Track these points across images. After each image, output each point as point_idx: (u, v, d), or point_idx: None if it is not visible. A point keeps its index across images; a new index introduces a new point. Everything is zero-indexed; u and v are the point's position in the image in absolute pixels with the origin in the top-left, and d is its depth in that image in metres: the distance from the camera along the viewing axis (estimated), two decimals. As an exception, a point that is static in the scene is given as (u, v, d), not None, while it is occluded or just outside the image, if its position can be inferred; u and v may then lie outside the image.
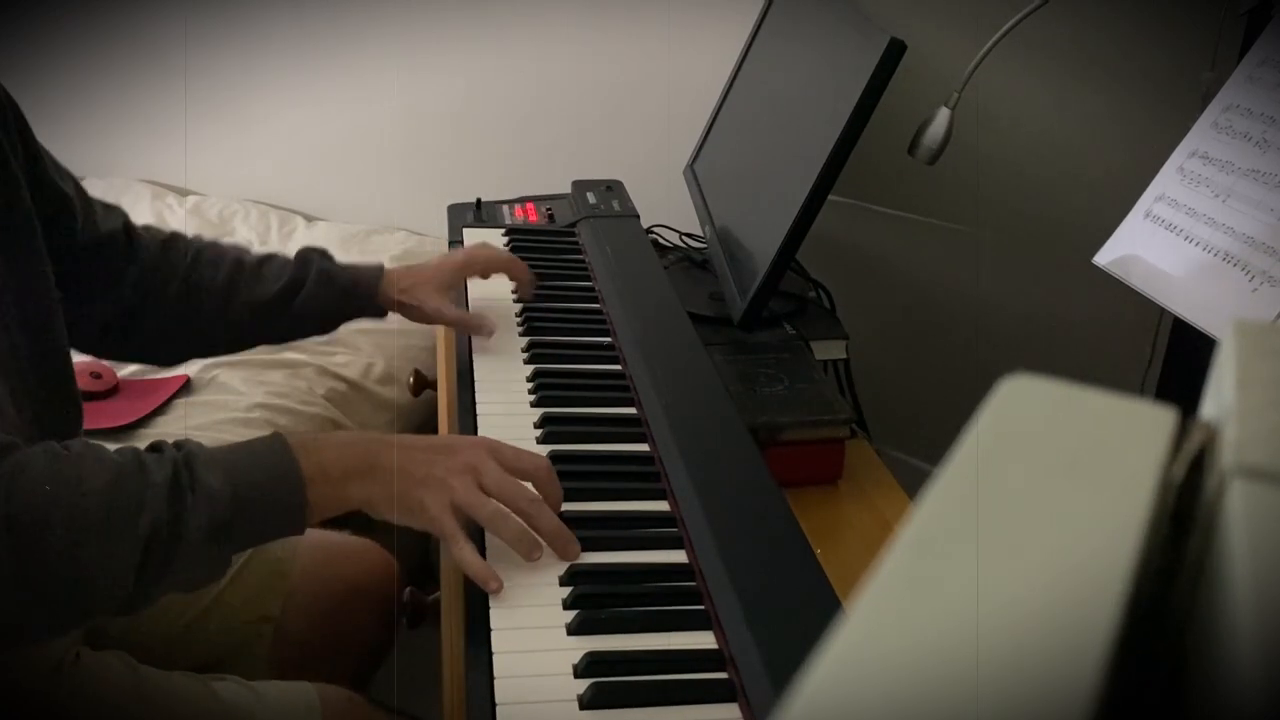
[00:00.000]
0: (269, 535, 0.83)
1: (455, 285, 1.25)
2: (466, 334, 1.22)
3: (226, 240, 1.23)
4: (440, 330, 1.46)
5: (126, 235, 1.10)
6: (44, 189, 0.96)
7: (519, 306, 1.31)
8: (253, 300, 1.13)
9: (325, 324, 1.20)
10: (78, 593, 0.73)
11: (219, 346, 1.24)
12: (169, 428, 1.56)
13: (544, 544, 0.85)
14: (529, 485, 0.86)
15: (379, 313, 1.20)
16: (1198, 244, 0.97)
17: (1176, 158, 1.04)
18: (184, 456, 0.77)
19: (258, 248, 2.24)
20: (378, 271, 1.18)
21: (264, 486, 0.79)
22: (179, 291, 1.12)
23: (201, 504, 0.75)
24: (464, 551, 0.82)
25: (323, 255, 1.18)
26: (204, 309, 1.13)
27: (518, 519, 0.84)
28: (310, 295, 1.14)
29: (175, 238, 1.15)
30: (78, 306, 1.00)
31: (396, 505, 0.83)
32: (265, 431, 1.59)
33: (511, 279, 1.30)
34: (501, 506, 0.84)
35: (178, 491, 0.75)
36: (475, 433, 1.04)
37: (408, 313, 1.19)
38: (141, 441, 1.52)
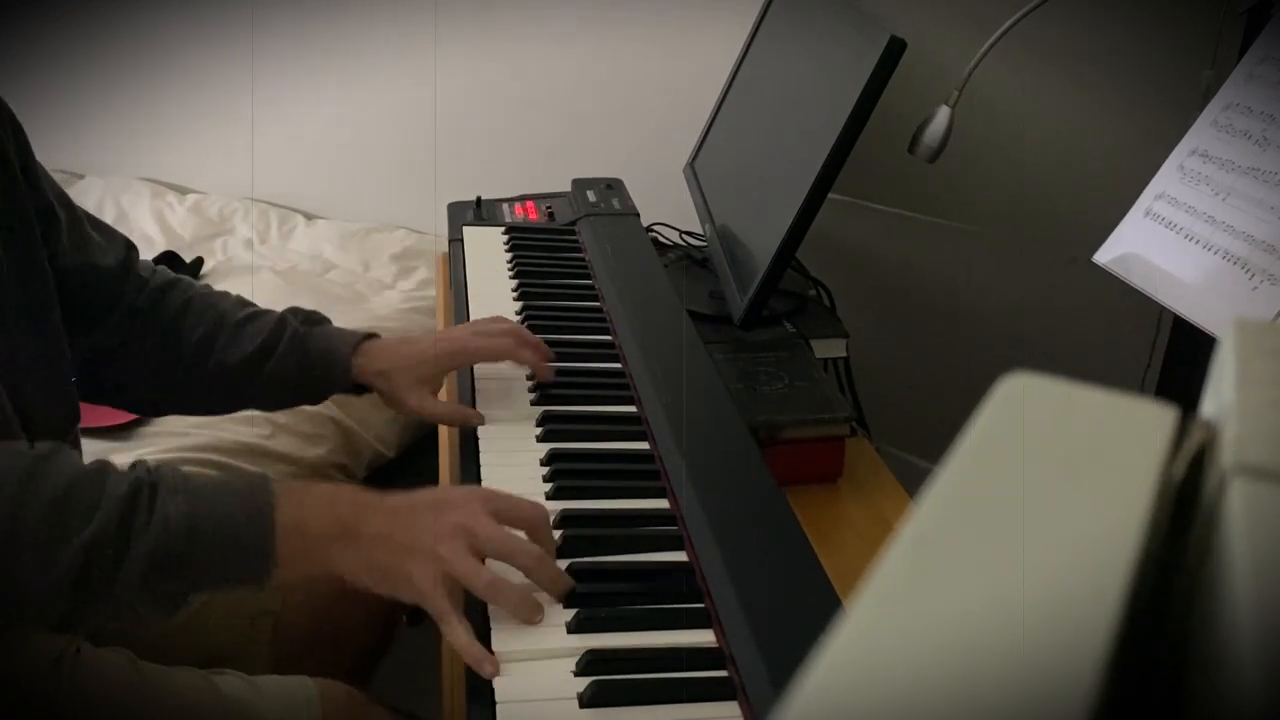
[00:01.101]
0: (225, 579, 0.75)
1: (440, 377, 1.08)
2: (453, 426, 1.10)
3: (220, 288, 1.12)
4: (440, 328, 1.46)
5: (123, 272, 1.04)
6: (34, 200, 0.94)
7: (519, 305, 1.31)
8: (226, 362, 1.04)
9: (300, 394, 1.08)
10: (10, 592, 0.70)
11: (198, 406, 1.13)
12: (169, 425, 1.56)
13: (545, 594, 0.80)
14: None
15: (354, 389, 1.07)
16: (1198, 242, 0.97)
17: (1176, 156, 1.04)
18: (152, 478, 0.74)
19: (258, 246, 2.26)
20: (353, 344, 1.05)
21: (227, 525, 0.73)
22: (159, 342, 1.05)
23: (153, 529, 0.71)
24: (456, 632, 0.75)
25: (305, 319, 1.08)
26: (180, 364, 1.05)
27: (515, 587, 0.78)
28: (280, 362, 1.04)
29: (174, 284, 1.08)
30: None
31: (381, 576, 0.77)
32: (265, 429, 1.61)
33: (518, 364, 1.10)
34: (496, 577, 0.77)
35: (132, 510, 0.71)
36: (477, 441, 1.04)
37: (389, 400, 1.06)
38: (141, 440, 1.53)
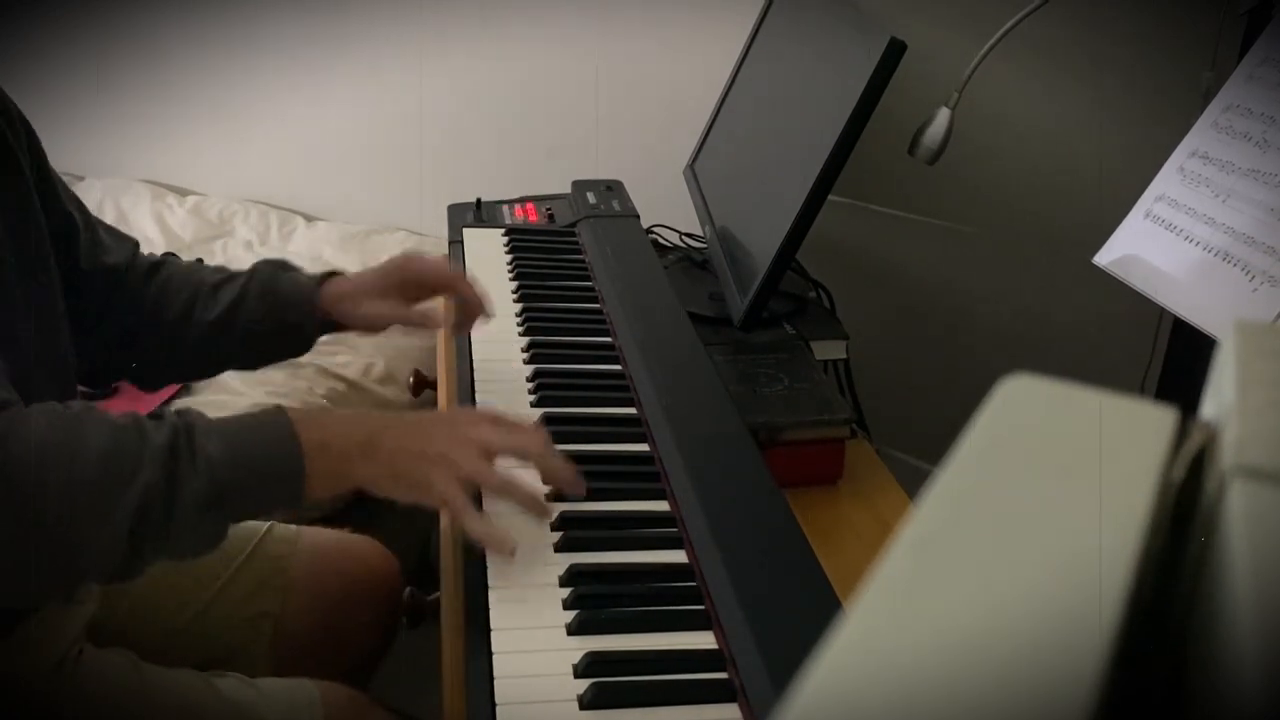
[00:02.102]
0: (265, 505, 0.82)
1: (392, 287, 1.11)
2: (416, 329, 1.16)
3: (218, 246, 1.20)
4: (440, 330, 1.46)
5: (129, 269, 1.09)
6: (49, 206, 0.97)
7: (520, 306, 1.31)
8: (206, 320, 1.09)
9: (277, 341, 1.12)
10: (71, 551, 0.73)
11: (189, 371, 1.19)
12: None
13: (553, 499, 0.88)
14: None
15: (323, 326, 1.11)
16: (1198, 244, 0.97)
17: (1177, 157, 1.04)
18: (184, 423, 0.78)
19: (258, 248, 2.26)
20: (317, 279, 1.10)
21: (262, 456, 0.79)
22: (150, 317, 1.09)
23: (199, 468, 0.76)
24: (474, 522, 0.82)
25: (276, 267, 1.12)
26: (168, 333, 1.10)
27: (525, 484, 0.85)
28: (251, 307, 1.09)
29: (160, 264, 1.12)
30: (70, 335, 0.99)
31: (402, 483, 0.82)
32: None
33: (451, 295, 1.14)
34: (509, 475, 0.85)
35: (175, 455, 0.75)
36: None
37: (351, 321, 1.11)
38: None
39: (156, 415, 0.79)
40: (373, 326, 1.12)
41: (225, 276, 1.12)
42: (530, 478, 0.89)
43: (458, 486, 0.82)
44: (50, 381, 0.92)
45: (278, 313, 1.09)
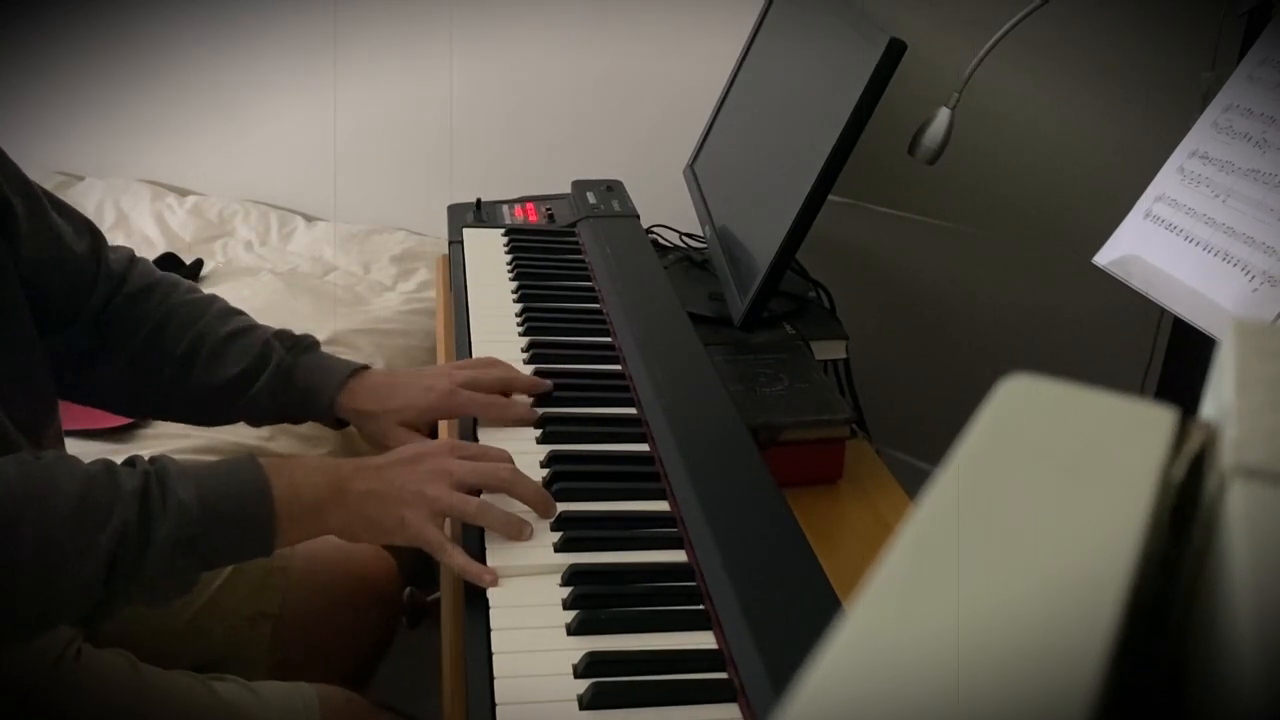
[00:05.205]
0: (236, 552, 0.82)
1: (426, 425, 1.07)
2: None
3: (221, 290, 1.07)
4: (440, 329, 1.46)
5: (93, 260, 1.01)
6: None
7: (519, 306, 1.31)
8: (204, 382, 1.03)
9: (281, 420, 1.08)
10: (45, 597, 0.74)
11: (178, 418, 1.11)
12: (168, 427, 1.56)
13: (531, 516, 0.87)
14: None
15: (335, 424, 1.07)
16: (1197, 244, 0.97)
17: (1176, 158, 1.04)
18: (157, 469, 0.78)
19: (258, 248, 2.26)
20: (339, 383, 1.04)
21: (234, 502, 0.79)
22: (139, 352, 1.03)
23: (170, 514, 0.76)
24: (454, 557, 0.82)
25: (290, 347, 1.06)
26: (160, 376, 1.03)
27: (501, 509, 0.86)
28: (262, 391, 1.03)
29: (155, 287, 1.05)
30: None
31: (375, 527, 0.83)
32: (265, 430, 1.60)
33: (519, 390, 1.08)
34: (483, 500, 0.85)
35: (147, 501, 0.76)
36: (475, 433, 1.04)
37: (365, 436, 1.07)
38: (140, 441, 1.53)
39: (129, 462, 0.79)
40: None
41: (231, 331, 1.04)
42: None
43: (432, 523, 0.83)
44: (23, 397, 0.88)
45: (288, 402, 1.04)
